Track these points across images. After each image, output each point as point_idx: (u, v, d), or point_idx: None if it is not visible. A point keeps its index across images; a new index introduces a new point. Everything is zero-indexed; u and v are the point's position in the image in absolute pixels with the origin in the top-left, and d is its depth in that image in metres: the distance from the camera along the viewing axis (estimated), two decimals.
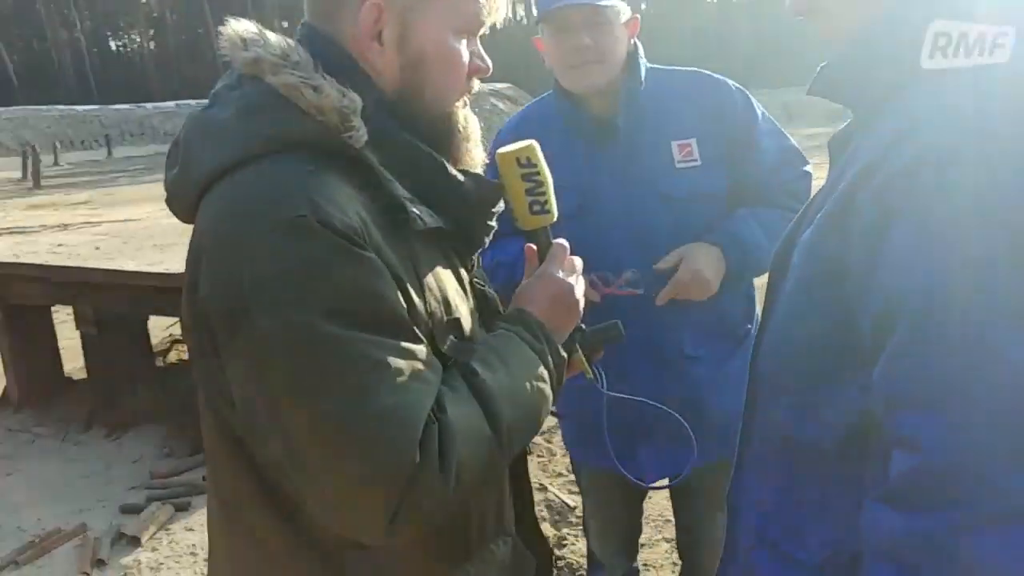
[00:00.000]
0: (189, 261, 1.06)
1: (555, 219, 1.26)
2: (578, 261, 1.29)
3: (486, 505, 1.22)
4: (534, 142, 1.23)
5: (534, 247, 1.29)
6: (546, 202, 1.23)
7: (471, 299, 1.23)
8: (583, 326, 1.33)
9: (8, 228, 7.02)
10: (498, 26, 1.22)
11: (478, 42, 1.18)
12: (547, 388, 1.14)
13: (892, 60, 0.95)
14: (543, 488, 3.99)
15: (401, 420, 0.95)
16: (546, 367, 1.15)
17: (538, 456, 4.31)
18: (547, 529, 3.64)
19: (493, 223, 1.24)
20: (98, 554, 3.54)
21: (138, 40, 69.98)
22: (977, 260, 0.82)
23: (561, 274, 1.24)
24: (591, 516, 2.57)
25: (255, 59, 1.04)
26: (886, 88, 0.97)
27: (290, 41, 1.09)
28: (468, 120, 1.21)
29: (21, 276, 4.91)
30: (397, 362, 0.96)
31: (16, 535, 3.78)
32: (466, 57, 1.14)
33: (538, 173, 1.22)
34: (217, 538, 1.23)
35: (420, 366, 0.99)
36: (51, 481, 4.29)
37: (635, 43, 2.11)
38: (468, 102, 1.21)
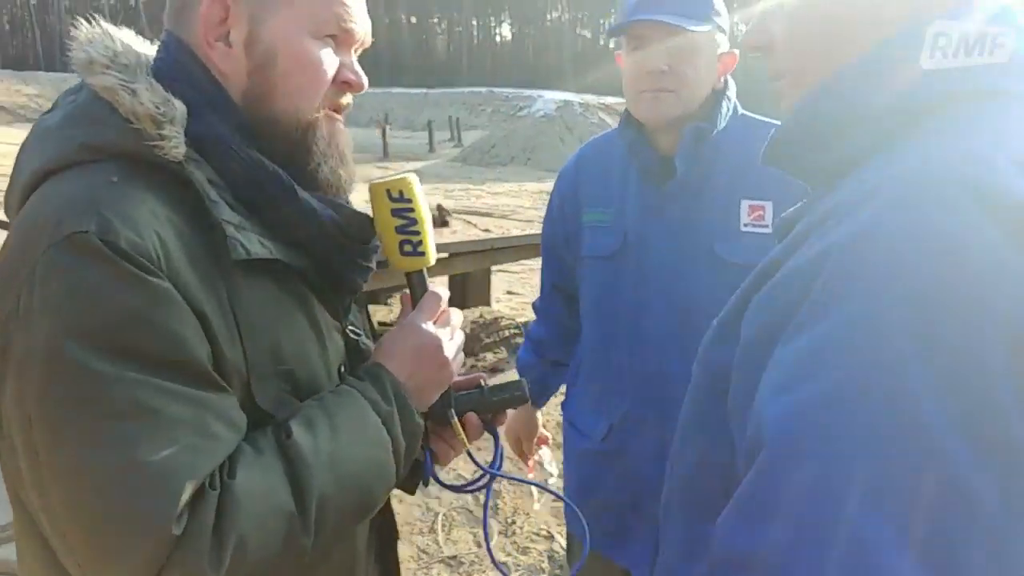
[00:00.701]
0: None
1: (431, 263, 1.13)
2: (456, 314, 1.16)
3: None
4: (411, 175, 1.10)
5: (407, 294, 1.15)
6: (419, 243, 1.10)
7: (331, 351, 1.07)
8: (484, 384, 1.21)
9: None
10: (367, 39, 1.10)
11: (352, 55, 1.08)
12: (387, 458, 0.99)
13: (847, 127, 0.82)
14: (549, 537, 3.81)
15: (162, 482, 0.80)
16: (390, 433, 1.00)
17: (553, 500, 4.13)
18: None
19: (368, 263, 1.11)
20: None
21: None
22: (844, 397, 0.65)
23: (428, 326, 1.09)
24: None
25: (88, 60, 0.96)
26: (839, 162, 0.83)
27: (131, 44, 1.00)
28: (335, 137, 1.07)
29: None
30: (173, 410, 0.83)
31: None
32: (329, 64, 1.03)
33: (412, 210, 1.09)
34: None
35: (209, 419, 0.86)
36: None
37: (726, 81, 1.83)
38: (340, 118, 1.09)
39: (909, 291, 0.64)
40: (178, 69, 0.99)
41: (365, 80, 1.08)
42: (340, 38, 1.04)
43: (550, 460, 1.94)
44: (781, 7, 0.91)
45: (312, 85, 1.02)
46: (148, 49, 1.02)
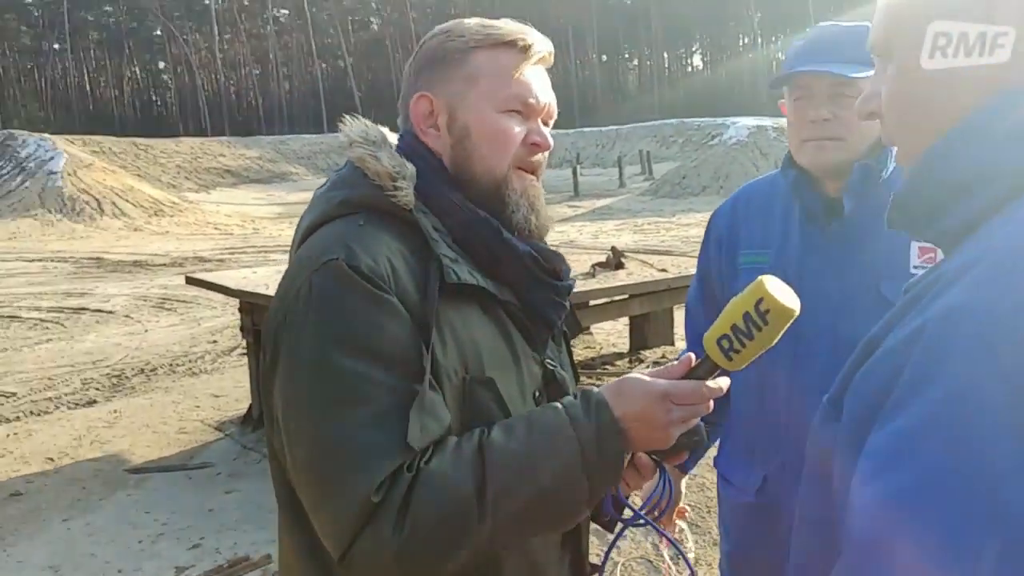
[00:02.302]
0: None
1: (729, 370, 1.12)
2: (702, 410, 1.14)
3: None
4: (797, 311, 1.07)
5: (692, 358, 1.15)
6: (735, 352, 1.08)
7: (526, 374, 1.23)
8: None
9: None
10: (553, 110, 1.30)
11: (539, 122, 1.29)
12: (575, 471, 1.07)
13: (958, 192, 0.81)
14: None
15: (370, 459, 1.01)
16: (583, 448, 1.07)
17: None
18: None
19: (561, 299, 1.29)
20: None
21: None
22: (930, 488, 0.63)
23: (668, 403, 1.11)
24: None
25: (349, 141, 1.25)
26: (955, 227, 0.82)
27: (383, 129, 1.29)
28: (527, 190, 1.27)
29: (266, 306, 5.30)
30: (388, 402, 1.04)
31: (211, 555, 4.02)
32: (515, 131, 1.25)
33: (760, 329, 1.06)
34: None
35: (416, 412, 1.04)
36: (262, 505, 4.52)
37: None
38: (531, 176, 1.28)
39: (1001, 372, 0.62)
40: (409, 149, 1.26)
41: (551, 141, 1.29)
42: (524, 111, 1.26)
43: (688, 535, 1.80)
44: (886, 73, 0.91)
45: (501, 149, 1.25)
46: (395, 138, 1.31)
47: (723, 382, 1.13)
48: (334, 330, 1.06)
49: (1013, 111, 0.78)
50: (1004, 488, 0.60)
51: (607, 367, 6.85)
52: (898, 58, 0.88)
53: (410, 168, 1.20)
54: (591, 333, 7.96)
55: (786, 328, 1.08)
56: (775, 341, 1.08)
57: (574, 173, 31.80)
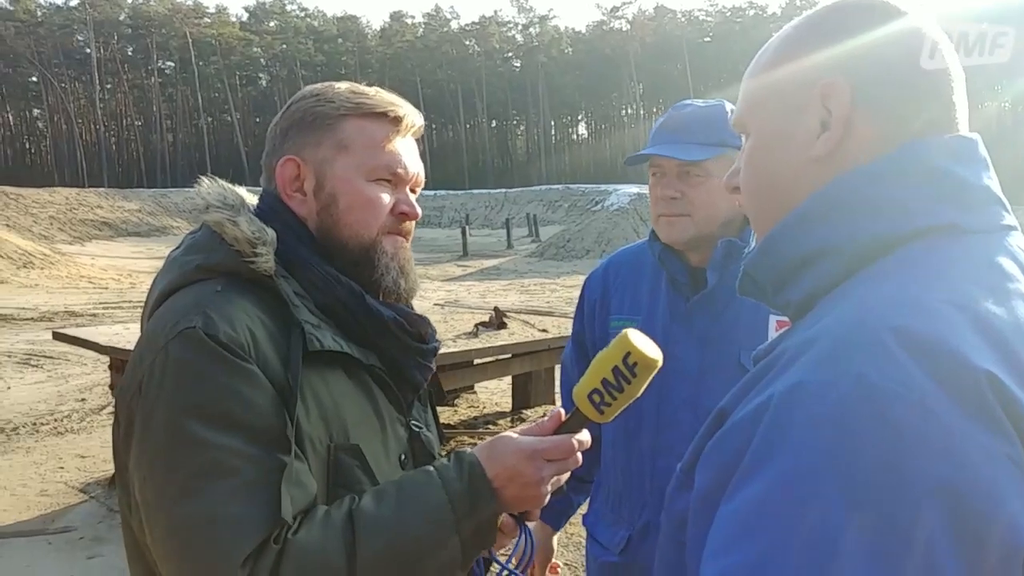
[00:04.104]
0: None
1: (600, 422, 1.14)
2: (571, 463, 1.16)
3: None
4: (660, 361, 1.11)
5: (563, 413, 1.18)
6: (606, 405, 1.11)
7: (391, 439, 1.23)
8: None
9: None
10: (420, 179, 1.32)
11: (407, 191, 1.29)
12: (446, 535, 1.07)
13: (798, 268, 0.83)
14: None
15: (234, 534, 0.99)
16: (455, 511, 1.08)
17: None
18: None
19: (427, 362, 1.30)
20: None
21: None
22: (771, 565, 0.62)
23: (540, 460, 1.12)
24: None
25: (205, 205, 1.21)
26: (798, 300, 0.84)
27: (238, 190, 1.27)
28: (397, 253, 1.28)
29: None
30: (251, 473, 1.01)
31: None
32: (383, 200, 1.25)
33: (629, 382, 1.10)
34: None
35: (281, 482, 1.02)
36: (125, 570, 4.26)
37: None
38: (402, 239, 1.29)
39: (837, 450, 0.62)
40: (271, 212, 1.24)
41: (419, 210, 1.30)
42: (393, 180, 1.26)
43: None
44: (743, 151, 0.94)
45: (369, 217, 1.24)
46: (254, 199, 1.29)
47: (585, 435, 1.16)
48: (192, 401, 1.02)
49: (849, 193, 0.80)
50: (837, 565, 0.59)
51: (490, 426, 6.89)
52: (753, 136, 0.91)
53: (270, 233, 1.18)
54: (475, 392, 8.00)
55: (651, 379, 1.11)
56: (641, 392, 1.12)
57: (463, 233, 32.12)
